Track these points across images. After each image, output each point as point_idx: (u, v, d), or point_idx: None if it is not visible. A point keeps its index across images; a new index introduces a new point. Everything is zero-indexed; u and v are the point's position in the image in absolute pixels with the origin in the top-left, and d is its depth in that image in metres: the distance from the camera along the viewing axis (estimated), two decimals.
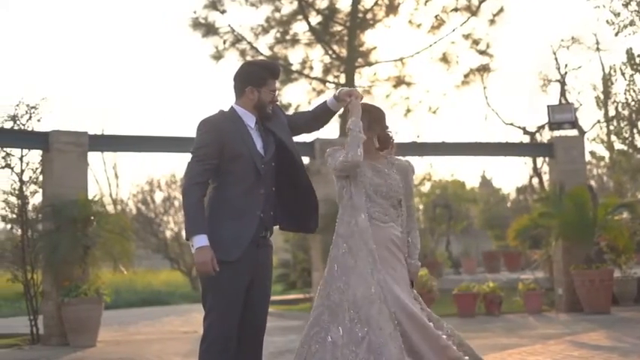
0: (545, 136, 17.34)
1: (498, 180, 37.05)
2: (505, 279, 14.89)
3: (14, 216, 10.34)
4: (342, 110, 4.63)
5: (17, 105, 10.33)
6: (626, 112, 15.23)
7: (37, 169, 10.43)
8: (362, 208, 4.31)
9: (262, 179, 4.16)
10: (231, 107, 4.27)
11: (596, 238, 12.12)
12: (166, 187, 24.86)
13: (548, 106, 13.68)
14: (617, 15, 14.16)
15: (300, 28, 16.82)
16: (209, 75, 54.17)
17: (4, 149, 10.23)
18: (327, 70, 17.11)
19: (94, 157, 28.40)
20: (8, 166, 10.24)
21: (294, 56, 17.06)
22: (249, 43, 16.43)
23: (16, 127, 10.31)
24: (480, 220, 25.09)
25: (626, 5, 14.06)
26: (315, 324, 4.28)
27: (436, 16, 16.63)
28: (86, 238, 10.09)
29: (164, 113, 45.82)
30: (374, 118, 4.46)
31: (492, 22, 16.53)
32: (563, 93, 18.33)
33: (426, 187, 23.46)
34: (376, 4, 16.64)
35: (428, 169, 22.80)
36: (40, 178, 10.43)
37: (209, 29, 16.16)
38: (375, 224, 4.34)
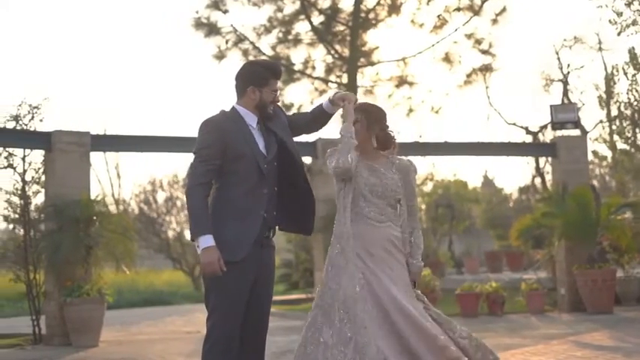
0: (548, 135, 17.30)
1: (501, 180, 36.95)
2: (507, 279, 14.84)
3: (17, 216, 10.35)
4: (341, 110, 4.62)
5: (20, 105, 10.36)
6: (628, 112, 15.24)
7: (39, 169, 10.44)
8: (349, 209, 4.30)
9: (265, 179, 4.16)
10: (233, 107, 4.27)
11: (598, 237, 12.10)
12: (169, 187, 24.90)
13: (550, 106, 13.66)
14: (620, 14, 14.15)
15: (302, 27, 16.82)
16: (211, 75, 54.19)
17: (7, 149, 10.24)
18: (329, 70, 17.08)
19: (96, 157, 28.34)
20: (11, 166, 10.25)
21: (297, 56, 17.07)
22: (251, 42, 16.42)
23: (18, 127, 10.32)
24: (483, 220, 25.07)
25: (628, 5, 14.05)
26: (311, 325, 4.30)
27: (438, 16, 16.59)
28: (88, 238, 10.09)
29: (166, 113, 45.78)
30: (374, 118, 4.45)
31: (495, 21, 16.49)
32: (565, 93, 18.29)
33: (428, 187, 23.43)
34: (378, 3, 16.61)
35: (430, 169, 22.76)
36: (43, 178, 10.45)
37: (211, 29, 16.16)
38: (370, 224, 4.34)
